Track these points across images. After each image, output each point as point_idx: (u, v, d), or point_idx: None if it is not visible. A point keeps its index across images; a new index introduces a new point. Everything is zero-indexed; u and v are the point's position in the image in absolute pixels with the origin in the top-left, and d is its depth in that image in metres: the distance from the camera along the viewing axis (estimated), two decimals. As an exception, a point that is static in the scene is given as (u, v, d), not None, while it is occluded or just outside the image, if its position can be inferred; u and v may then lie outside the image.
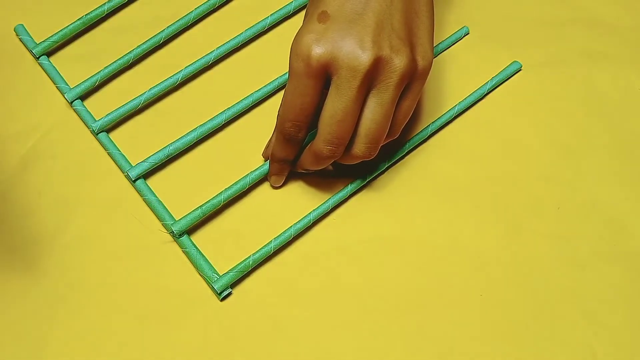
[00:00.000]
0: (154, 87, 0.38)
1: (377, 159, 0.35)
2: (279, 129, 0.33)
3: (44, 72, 0.39)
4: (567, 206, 0.37)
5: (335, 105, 0.31)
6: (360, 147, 0.32)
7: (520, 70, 0.41)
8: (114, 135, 0.38)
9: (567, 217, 0.37)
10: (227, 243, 0.35)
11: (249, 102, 0.38)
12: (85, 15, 0.40)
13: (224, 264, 0.34)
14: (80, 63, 0.40)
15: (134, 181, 0.36)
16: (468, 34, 0.42)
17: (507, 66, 0.41)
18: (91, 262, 0.34)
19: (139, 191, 0.36)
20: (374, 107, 0.31)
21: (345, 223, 0.36)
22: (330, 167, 0.37)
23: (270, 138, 0.36)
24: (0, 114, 0.38)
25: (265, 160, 0.36)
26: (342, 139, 0.31)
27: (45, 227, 0.35)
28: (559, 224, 0.37)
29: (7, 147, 0.37)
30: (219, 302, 0.33)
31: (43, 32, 0.40)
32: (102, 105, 0.38)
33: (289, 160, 0.35)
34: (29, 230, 0.35)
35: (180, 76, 0.38)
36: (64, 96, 0.38)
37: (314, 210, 0.35)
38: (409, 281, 0.35)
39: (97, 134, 0.37)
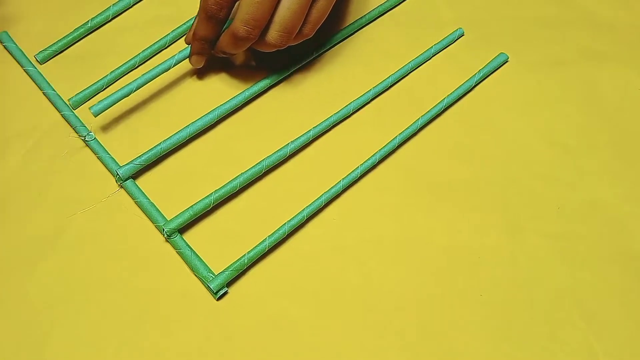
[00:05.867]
0: (148, 72, 0.37)
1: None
2: (203, 6, 0.35)
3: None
4: (567, 206, 0.37)
5: None
6: (273, 34, 0.34)
7: (507, 61, 0.41)
8: (107, 138, 0.38)
9: (567, 217, 0.37)
10: (221, 241, 0.35)
11: (240, 99, 0.38)
12: (91, 20, 0.41)
13: (219, 262, 0.34)
14: (80, 62, 0.40)
15: (124, 182, 0.36)
16: (463, 35, 0.43)
17: (493, 58, 0.41)
18: (90, 262, 0.34)
19: (129, 193, 0.36)
20: None
21: (344, 222, 0.36)
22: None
23: (194, 21, 0.37)
24: (0, 114, 0.38)
25: (187, 44, 0.38)
26: (259, 20, 0.33)
27: (45, 227, 0.35)
28: (559, 224, 0.37)
29: (7, 147, 0.37)
30: (215, 301, 0.33)
31: (44, 30, 0.40)
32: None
33: (209, 39, 0.36)
34: (29, 230, 0.35)
35: (174, 61, 0.38)
36: (53, 105, 0.38)
37: (307, 207, 0.35)
38: (409, 281, 0.35)
39: (89, 142, 0.37)
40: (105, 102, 0.35)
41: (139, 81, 0.36)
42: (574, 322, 0.34)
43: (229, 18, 0.36)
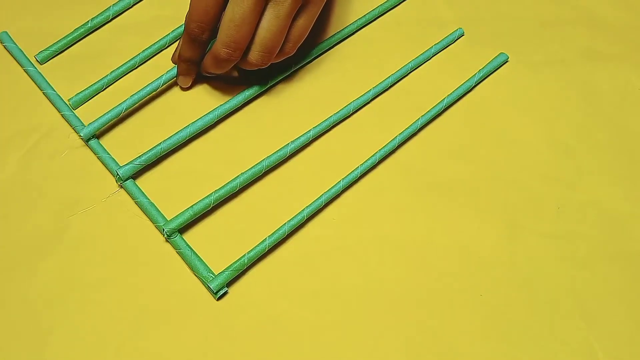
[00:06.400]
0: (137, 92, 0.38)
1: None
2: (186, 29, 0.36)
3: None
4: (567, 206, 0.37)
5: (235, 10, 0.33)
6: (254, 54, 0.35)
7: (507, 61, 0.41)
8: (107, 139, 0.38)
9: (567, 217, 0.37)
10: (221, 241, 0.35)
11: (240, 99, 0.38)
12: (91, 20, 0.40)
13: (219, 262, 0.34)
14: (80, 62, 0.40)
15: (124, 182, 0.36)
16: (463, 35, 0.43)
17: (493, 58, 0.41)
18: (90, 262, 0.34)
19: (129, 193, 0.36)
20: (270, 18, 0.34)
21: (344, 222, 0.36)
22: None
23: (179, 42, 0.38)
24: (0, 114, 0.38)
25: (174, 64, 0.38)
26: (239, 43, 0.34)
27: (45, 227, 0.35)
28: (559, 224, 0.37)
29: (7, 148, 0.37)
30: (215, 301, 0.33)
31: (44, 30, 0.40)
32: (97, 108, 0.38)
33: (195, 61, 0.37)
34: (29, 230, 0.35)
35: (161, 81, 0.38)
36: (53, 105, 0.38)
37: (307, 207, 0.35)
38: (409, 281, 0.35)
39: (88, 141, 0.37)
40: (100, 122, 0.37)
41: (128, 102, 0.37)
42: (574, 322, 0.34)
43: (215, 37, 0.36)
